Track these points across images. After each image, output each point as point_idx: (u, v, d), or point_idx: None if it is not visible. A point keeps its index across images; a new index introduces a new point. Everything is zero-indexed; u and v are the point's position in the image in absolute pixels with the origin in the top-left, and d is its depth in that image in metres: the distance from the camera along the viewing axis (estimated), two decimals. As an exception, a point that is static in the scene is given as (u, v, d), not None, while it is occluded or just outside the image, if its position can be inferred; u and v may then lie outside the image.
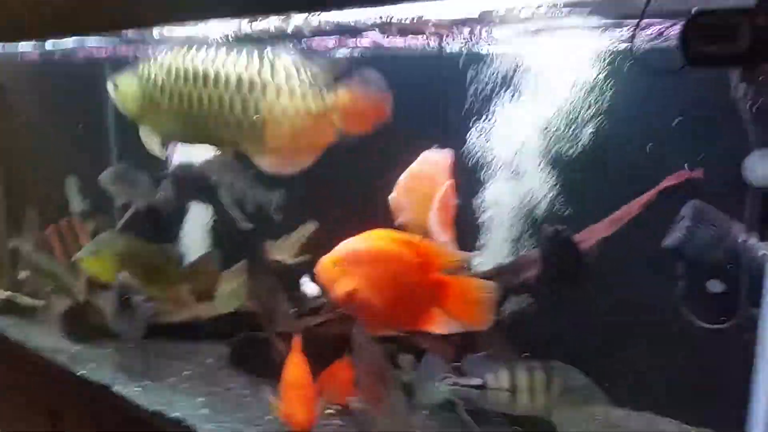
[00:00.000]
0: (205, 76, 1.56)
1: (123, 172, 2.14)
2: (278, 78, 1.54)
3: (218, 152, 2.02)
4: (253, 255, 2.33)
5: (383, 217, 1.87)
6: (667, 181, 1.69)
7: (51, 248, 2.63)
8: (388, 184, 1.91)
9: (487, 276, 1.88)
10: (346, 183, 2.28)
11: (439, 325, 1.49)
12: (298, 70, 1.55)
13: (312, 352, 2.02)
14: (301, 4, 1.51)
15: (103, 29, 2.09)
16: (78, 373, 2.24)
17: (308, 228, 2.38)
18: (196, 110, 1.59)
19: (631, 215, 1.72)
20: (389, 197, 1.90)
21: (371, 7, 1.53)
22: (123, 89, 1.72)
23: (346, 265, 1.47)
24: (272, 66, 1.54)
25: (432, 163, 1.81)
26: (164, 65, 1.62)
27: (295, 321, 2.21)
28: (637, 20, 1.12)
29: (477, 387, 1.59)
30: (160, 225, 2.24)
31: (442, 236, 1.70)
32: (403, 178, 1.87)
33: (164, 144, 1.77)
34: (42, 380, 2.40)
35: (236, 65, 1.55)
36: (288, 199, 2.29)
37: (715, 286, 1.54)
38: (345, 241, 1.51)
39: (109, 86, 1.76)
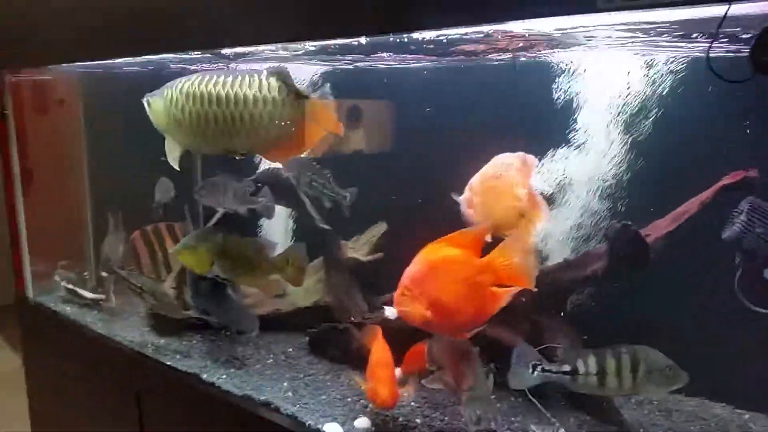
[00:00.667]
0: (215, 98, 1.92)
1: (214, 185, 2.29)
2: (268, 93, 1.92)
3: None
4: (329, 253, 2.53)
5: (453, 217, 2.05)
6: (725, 180, 1.84)
7: (137, 253, 2.82)
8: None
9: (554, 270, 2.06)
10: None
11: (501, 300, 1.64)
12: (281, 87, 1.92)
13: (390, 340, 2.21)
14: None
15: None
16: (166, 363, 2.42)
17: (379, 228, 2.56)
18: (208, 126, 1.95)
19: (692, 212, 1.88)
20: (460, 198, 2.04)
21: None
22: (153, 107, 2.06)
23: (413, 291, 1.62)
24: (264, 85, 1.92)
25: (506, 166, 1.97)
26: (183, 89, 1.97)
27: (368, 312, 2.40)
28: (714, 32, 1.31)
29: (567, 373, 1.69)
30: (244, 225, 2.40)
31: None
32: (476, 179, 2.01)
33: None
34: (130, 368, 2.57)
35: (237, 87, 1.91)
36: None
37: (771, 273, 1.69)
38: (406, 270, 1.67)
39: (144, 103, 2.08)
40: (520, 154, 1.97)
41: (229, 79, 1.92)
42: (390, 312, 1.75)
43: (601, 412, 1.95)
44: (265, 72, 1.93)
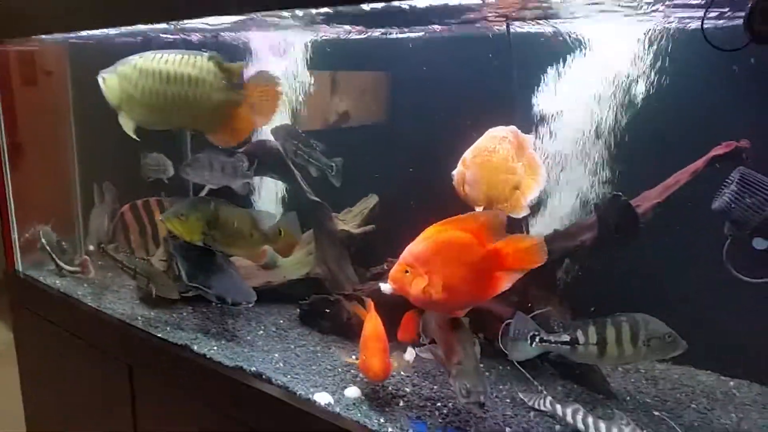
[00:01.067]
0: (165, 75, 2.05)
1: (200, 161, 2.28)
2: (211, 76, 2.06)
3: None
4: (320, 225, 2.52)
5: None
6: (716, 150, 1.84)
7: (126, 227, 2.80)
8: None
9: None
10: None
11: (503, 283, 1.61)
12: (222, 69, 2.07)
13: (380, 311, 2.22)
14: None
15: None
16: (157, 335, 2.42)
17: (370, 200, 2.55)
18: (158, 102, 2.08)
19: (682, 182, 1.88)
20: (453, 172, 2.04)
21: None
22: (108, 83, 2.14)
23: (415, 268, 1.61)
24: (204, 66, 2.06)
25: (499, 139, 1.95)
26: (137, 65, 2.08)
27: (359, 285, 2.40)
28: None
29: (566, 343, 1.69)
30: (234, 197, 2.38)
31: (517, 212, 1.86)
32: (469, 153, 2.00)
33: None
34: (121, 341, 2.56)
35: (182, 65, 2.05)
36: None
37: (760, 243, 1.70)
38: (407, 247, 1.66)
39: (99, 79, 2.15)
40: (513, 127, 1.95)
41: (178, 57, 2.04)
42: (385, 287, 1.73)
43: (588, 380, 1.98)
44: (206, 54, 2.05)
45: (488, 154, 1.90)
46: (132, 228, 2.82)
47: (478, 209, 1.94)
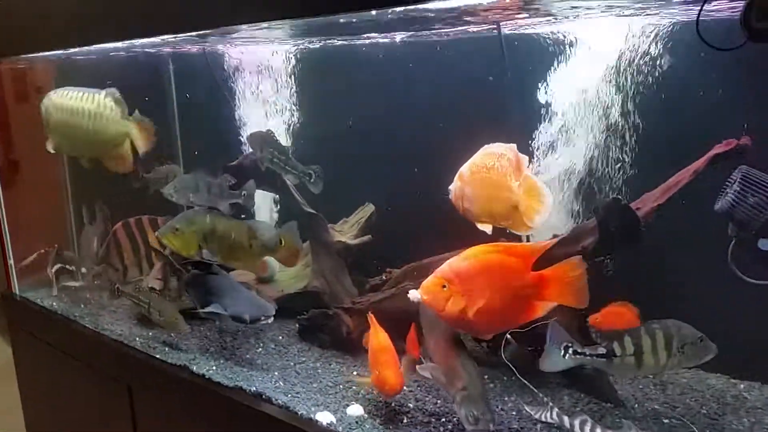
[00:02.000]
0: (71, 109, 2.33)
1: (182, 184, 2.29)
2: (107, 111, 2.34)
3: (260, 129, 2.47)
4: (316, 237, 2.47)
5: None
6: (717, 149, 1.78)
7: (119, 245, 2.77)
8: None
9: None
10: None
11: (538, 313, 1.60)
12: (115, 105, 2.35)
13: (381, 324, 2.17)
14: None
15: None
16: (155, 356, 2.38)
17: (366, 210, 2.51)
18: (67, 132, 2.37)
19: (684, 182, 1.82)
20: (450, 187, 2.00)
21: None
22: (42, 108, 2.41)
23: (455, 284, 1.58)
24: (102, 102, 2.33)
25: (497, 156, 1.89)
26: (52, 97, 2.36)
27: (358, 298, 2.36)
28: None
29: (602, 356, 1.62)
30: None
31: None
32: (467, 168, 1.95)
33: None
34: (120, 362, 2.53)
35: (84, 102, 2.32)
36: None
37: (766, 244, 1.65)
38: (448, 261, 1.62)
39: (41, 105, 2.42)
40: (512, 145, 1.93)
41: (80, 93, 2.32)
42: (414, 295, 1.71)
43: (595, 388, 1.94)
44: (104, 92, 2.33)
45: (487, 171, 1.86)
46: (125, 246, 2.79)
47: (481, 226, 1.90)
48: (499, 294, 1.57)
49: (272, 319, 2.16)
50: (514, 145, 1.86)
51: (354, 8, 1.54)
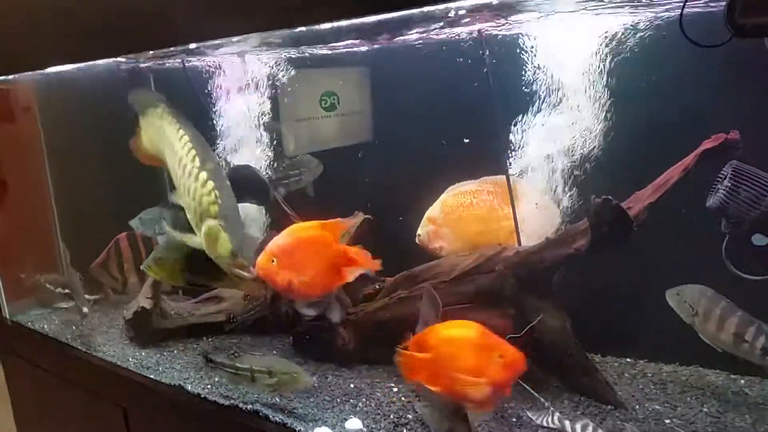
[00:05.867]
0: None
1: (149, 217, 2.37)
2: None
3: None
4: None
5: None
6: (706, 144, 1.77)
7: (120, 253, 2.75)
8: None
9: (536, 250, 1.99)
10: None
11: (346, 278, 1.83)
12: None
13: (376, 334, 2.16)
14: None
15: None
16: (150, 377, 2.35)
17: (357, 218, 2.47)
18: None
19: (674, 180, 1.81)
20: (419, 232, 2.19)
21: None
22: None
23: (281, 258, 1.79)
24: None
25: (471, 193, 2.03)
26: None
27: (353, 308, 2.33)
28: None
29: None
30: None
31: None
32: (437, 210, 2.10)
33: None
34: (113, 384, 2.49)
35: None
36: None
37: (760, 240, 1.63)
38: (275, 239, 1.84)
39: None
40: (499, 177, 2.01)
41: None
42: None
43: (595, 390, 1.91)
44: None
45: (465, 209, 2.04)
46: (126, 255, 2.78)
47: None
48: (316, 264, 1.81)
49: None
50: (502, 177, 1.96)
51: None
